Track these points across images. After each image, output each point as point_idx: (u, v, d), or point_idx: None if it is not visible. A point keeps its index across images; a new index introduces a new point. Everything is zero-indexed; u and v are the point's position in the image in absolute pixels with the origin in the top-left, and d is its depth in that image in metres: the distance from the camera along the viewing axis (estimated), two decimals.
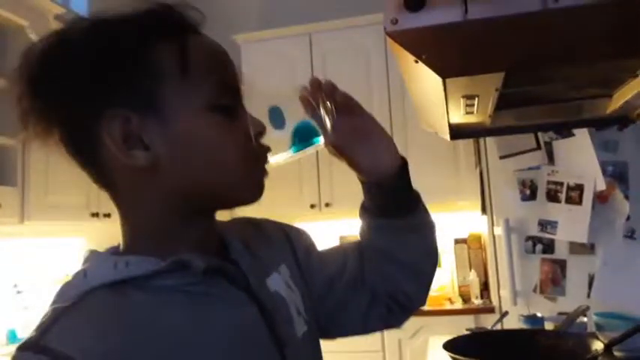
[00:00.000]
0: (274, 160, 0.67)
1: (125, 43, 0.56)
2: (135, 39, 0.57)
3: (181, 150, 0.58)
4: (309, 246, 0.82)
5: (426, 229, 0.80)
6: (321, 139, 0.72)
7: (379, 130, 0.76)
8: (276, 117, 0.68)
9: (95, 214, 2.80)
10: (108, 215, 2.84)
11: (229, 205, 0.64)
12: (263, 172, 0.65)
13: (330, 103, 0.70)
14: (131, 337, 0.52)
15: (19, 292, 2.64)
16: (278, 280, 0.70)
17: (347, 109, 0.73)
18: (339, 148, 0.74)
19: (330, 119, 0.69)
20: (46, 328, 0.51)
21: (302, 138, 0.70)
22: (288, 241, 0.80)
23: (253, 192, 0.63)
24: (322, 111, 0.68)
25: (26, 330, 2.51)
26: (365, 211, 0.78)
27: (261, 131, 0.64)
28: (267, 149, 0.65)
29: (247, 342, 0.60)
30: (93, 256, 0.59)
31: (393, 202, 0.76)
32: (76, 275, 0.57)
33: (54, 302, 0.55)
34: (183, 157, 0.58)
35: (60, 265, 2.95)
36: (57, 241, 2.98)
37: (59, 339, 0.50)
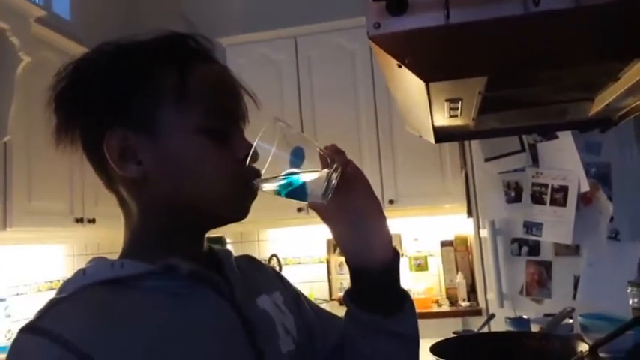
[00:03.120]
0: (263, 185, 0.64)
1: (131, 71, 0.64)
2: (141, 67, 0.64)
3: (169, 168, 0.64)
4: (298, 291, 0.83)
5: (401, 339, 0.71)
6: (308, 198, 0.66)
7: (378, 218, 0.69)
8: (297, 157, 0.63)
9: (79, 220, 2.76)
10: (92, 221, 2.81)
11: (214, 221, 0.69)
12: (249, 194, 0.67)
13: (339, 172, 0.64)
14: (119, 324, 0.56)
15: (1, 300, 2.60)
16: (267, 300, 0.73)
17: (353, 185, 0.67)
18: (323, 218, 0.69)
19: (328, 186, 0.63)
20: (42, 313, 0.57)
21: (295, 190, 0.64)
22: (280, 280, 0.82)
23: (236, 212, 0.67)
24: (327, 173, 0.63)
25: (9, 338, 2.48)
26: (346, 294, 0.73)
27: (252, 156, 0.63)
28: (255, 173, 0.63)
29: (226, 346, 0.62)
30: (95, 259, 0.65)
31: (373, 297, 0.69)
32: (76, 273, 0.62)
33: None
34: (170, 174, 0.64)
35: (43, 273, 2.92)
36: (41, 248, 2.94)
37: (53, 321, 0.56)
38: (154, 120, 0.63)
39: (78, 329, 0.54)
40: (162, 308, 0.60)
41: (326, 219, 0.69)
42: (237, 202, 0.67)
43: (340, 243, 0.70)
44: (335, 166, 0.63)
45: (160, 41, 0.66)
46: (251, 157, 0.63)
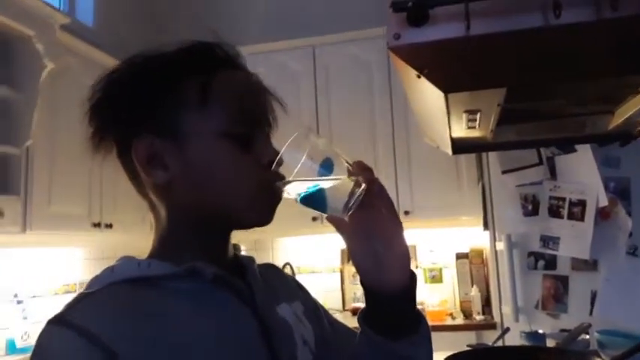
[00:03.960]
0: (286, 188, 0.63)
1: (157, 81, 0.66)
2: (166, 77, 0.66)
3: (194, 172, 0.65)
4: (317, 302, 0.83)
5: None
6: (328, 210, 0.64)
7: (398, 240, 0.67)
8: (326, 169, 0.62)
9: (97, 225, 2.79)
10: (110, 226, 2.83)
11: (238, 226, 0.69)
12: (273, 198, 0.67)
13: (363, 188, 0.62)
14: (143, 322, 0.58)
15: (19, 302, 2.64)
16: (287, 309, 0.73)
17: (376, 203, 0.65)
18: (341, 232, 0.67)
19: (350, 201, 0.62)
20: (70, 306, 0.60)
21: (317, 199, 0.63)
22: (301, 290, 0.83)
23: (260, 216, 0.68)
24: (352, 188, 0.62)
25: (25, 340, 2.51)
26: (359, 313, 0.71)
27: (277, 161, 0.62)
28: (279, 177, 0.63)
29: (245, 352, 0.63)
30: (123, 258, 0.67)
31: (386, 320, 0.68)
32: (105, 270, 0.65)
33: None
34: (195, 178, 0.65)
35: (61, 276, 2.95)
36: (58, 251, 2.98)
37: (80, 315, 0.58)
38: (178, 126, 0.65)
39: (104, 325, 0.56)
40: (184, 310, 0.61)
41: (344, 234, 0.67)
42: (262, 206, 0.67)
43: (356, 260, 0.68)
44: (360, 181, 0.62)
45: (185, 51, 0.68)
46: (277, 162, 0.62)
